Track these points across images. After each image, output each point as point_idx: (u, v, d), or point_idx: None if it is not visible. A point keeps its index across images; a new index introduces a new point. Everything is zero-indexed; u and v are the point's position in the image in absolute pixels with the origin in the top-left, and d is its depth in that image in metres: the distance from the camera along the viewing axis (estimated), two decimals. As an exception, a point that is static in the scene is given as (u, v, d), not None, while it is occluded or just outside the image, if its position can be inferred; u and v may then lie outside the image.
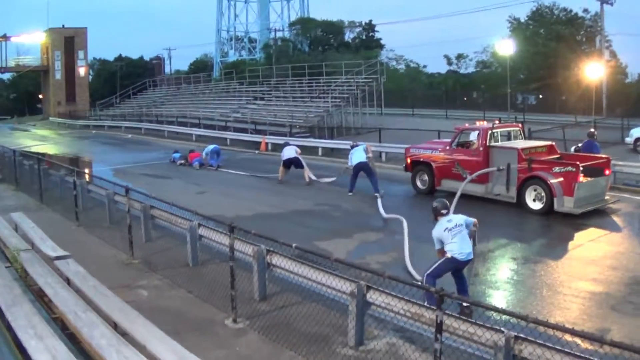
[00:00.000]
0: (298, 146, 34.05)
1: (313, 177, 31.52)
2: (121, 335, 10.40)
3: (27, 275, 14.66)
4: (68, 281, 13.97)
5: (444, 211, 13.76)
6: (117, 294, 12.93)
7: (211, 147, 40.01)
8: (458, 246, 13.16)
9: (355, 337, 11.63)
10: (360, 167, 27.41)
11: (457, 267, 13.43)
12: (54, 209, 26.01)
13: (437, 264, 13.28)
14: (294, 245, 11.62)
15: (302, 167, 31.70)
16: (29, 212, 23.23)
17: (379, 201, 24.93)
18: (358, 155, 27.64)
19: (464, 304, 12.64)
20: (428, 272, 13.16)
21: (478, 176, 24.50)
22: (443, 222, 13.52)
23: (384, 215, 23.23)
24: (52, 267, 14.79)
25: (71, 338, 11.21)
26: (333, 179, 30.62)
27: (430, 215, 14.10)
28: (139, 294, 15.26)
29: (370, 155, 27.90)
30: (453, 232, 13.25)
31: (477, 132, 26.40)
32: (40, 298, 13.59)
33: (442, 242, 13.39)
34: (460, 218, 13.79)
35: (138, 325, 10.75)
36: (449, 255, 13.19)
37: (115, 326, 11.06)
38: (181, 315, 13.74)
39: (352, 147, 28.86)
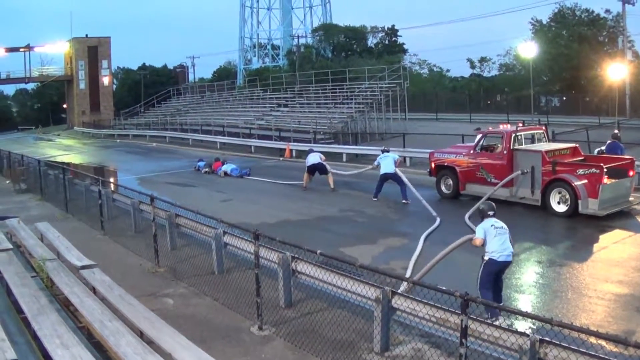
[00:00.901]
0: (322, 152, 34.02)
1: (339, 172, 31.44)
2: (147, 344, 10.44)
3: (53, 285, 14.74)
4: (94, 290, 14.04)
5: (490, 212, 13.90)
6: (143, 303, 13.00)
7: (229, 167, 39.97)
8: (498, 246, 13.29)
9: (381, 343, 11.60)
10: (388, 177, 27.33)
11: (497, 270, 13.49)
12: (79, 219, 26.13)
13: (480, 275, 13.43)
14: (318, 251, 11.62)
15: (326, 173, 31.63)
16: (54, 221, 23.40)
17: (425, 204, 24.78)
18: (386, 165, 27.47)
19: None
20: (478, 286, 13.29)
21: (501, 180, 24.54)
22: (490, 220, 13.71)
23: (433, 213, 23.22)
24: (78, 277, 14.89)
25: (97, 347, 11.25)
26: (355, 172, 30.38)
27: (478, 217, 14.34)
28: (165, 302, 15.30)
29: (396, 167, 27.72)
30: (498, 231, 13.42)
31: (480, 135, 26.62)
32: (66, 307, 13.65)
33: (484, 236, 13.50)
34: (504, 224, 13.87)
35: (164, 334, 10.78)
36: (486, 258, 13.33)
37: (141, 335, 11.10)
38: (207, 323, 13.75)
39: (383, 151, 28.69)
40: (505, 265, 13.59)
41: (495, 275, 13.56)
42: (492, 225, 13.50)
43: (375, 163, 28.32)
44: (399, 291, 11.75)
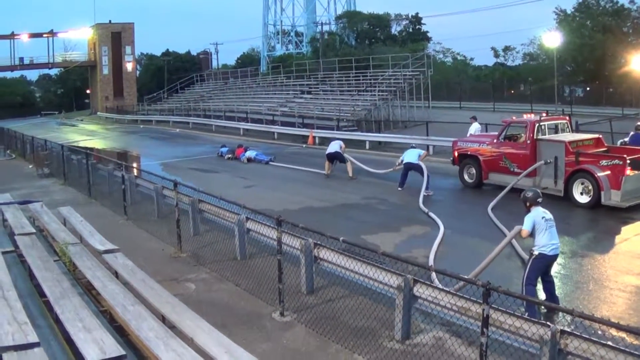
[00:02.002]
0: (344, 140, 33.89)
1: (370, 169, 31.17)
2: (169, 328, 10.47)
3: (75, 269, 14.81)
4: (116, 274, 14.11)
5: (539, 200, 13.32)
6: (165, 287, 13.06)
7: (253, 152, 40.01)
8: (548, 239, 12.79)
9: (402, 331, 11.59)
10: (410, 167, 27.14)
11: (546, 264, 13.05)
12: (102, 203, 26.23)
13: (527, 269, 12.94)
14: (341, 238, 11.60)
15: (344, 161, 31.60)
16: (77, 206, 23.47)
17: (421, 196, 24.66)
18: (410, 156, 27.31)
19: (545, 310, 12.34)
20: (524, 281, 12.80)
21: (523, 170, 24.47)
22: (539, 211, 13.14)
23: (423, 207, 23.10)
24: (101, 261, 14.96)
25: (119, 331, 11.30)
26: (387, 170, 29.75)
27: (522, 205, 13.51)
28: (187, 287, 15.33)
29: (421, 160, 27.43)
30: (549, 224, 12.93)
31: (476, 124, 28.06)
32: (88, 291, 13.73)
33: (533, 228, 12.93)
34: (551, 215, 13.33)
35: (186, 318, 10.81)
36: (535, 252, 12.83)
37: (163, 319, 11.13)
38: (229, 309, 13.78)
39: (411, 147, 28.54)
40: (555, 259, 13.22)
41: (543, 270, 13.15)
42: (542, 218, 12.96)
43: (400, 159, 28.17)
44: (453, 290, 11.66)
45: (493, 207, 22.22)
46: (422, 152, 28.01)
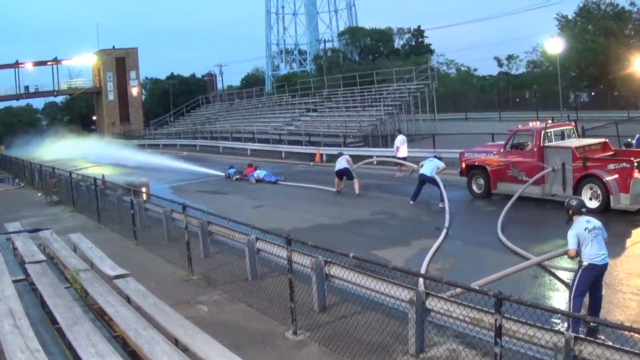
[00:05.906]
0: (352, 156, 33.82)
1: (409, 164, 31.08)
2: (182, 351, 10.47)
3: (87, 295, 14.84)
4: (128, 299, 14.10)
5: (583, 209, 12.70)
6: (177, 311, 13.03)
7: (262, 173, 40.06)
8: (596, 249, 12.16)
9: (416, 345, 11.57)
10: (424, 180, 26.96)
11: (596, 275, 12.34)
12: (112, 229, 26.29)
13: (576, 281, 12.28)
14: (351, 255, 11.59)
15: (351, 178, 31.46)
16: (87, 232, 23.51)
17: (446, 211, 24.36)
18: (426, 167, 27.10)
19: (591, 324, 11.76)
20: (572, 294, 12.23)
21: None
22: (582, 222, 12.43)
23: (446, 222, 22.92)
24: (112, 286, 14.97)
25: (132, 356, 11.33)
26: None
27: (565, 215, 12.87)
28: (199, 309, 15.33)
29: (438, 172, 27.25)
30: (593, 235, 12.23)
31: (401, 136, 31.41)
32: (100, 317, 13.74)
33: (579, 243, 12.23)
34: (598, 222, 12.63)
35: (199, 341, 10.80)
36: (585, 263, 12.17)
37: (176, 342, 11.13)
38: (241, 329, 13.77)
39: (434, 156, 28.49)
40: (605, 268, 12.52)
41: (593, 282, 12.41)
42: (585, 229, 12.25)
43: (420, 164, 28.15)
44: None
45: (503, 217, 22.07)
46: (441, 165, 27.76)
